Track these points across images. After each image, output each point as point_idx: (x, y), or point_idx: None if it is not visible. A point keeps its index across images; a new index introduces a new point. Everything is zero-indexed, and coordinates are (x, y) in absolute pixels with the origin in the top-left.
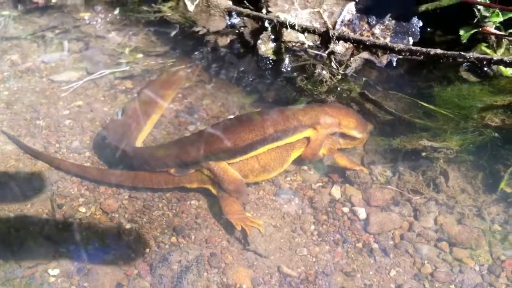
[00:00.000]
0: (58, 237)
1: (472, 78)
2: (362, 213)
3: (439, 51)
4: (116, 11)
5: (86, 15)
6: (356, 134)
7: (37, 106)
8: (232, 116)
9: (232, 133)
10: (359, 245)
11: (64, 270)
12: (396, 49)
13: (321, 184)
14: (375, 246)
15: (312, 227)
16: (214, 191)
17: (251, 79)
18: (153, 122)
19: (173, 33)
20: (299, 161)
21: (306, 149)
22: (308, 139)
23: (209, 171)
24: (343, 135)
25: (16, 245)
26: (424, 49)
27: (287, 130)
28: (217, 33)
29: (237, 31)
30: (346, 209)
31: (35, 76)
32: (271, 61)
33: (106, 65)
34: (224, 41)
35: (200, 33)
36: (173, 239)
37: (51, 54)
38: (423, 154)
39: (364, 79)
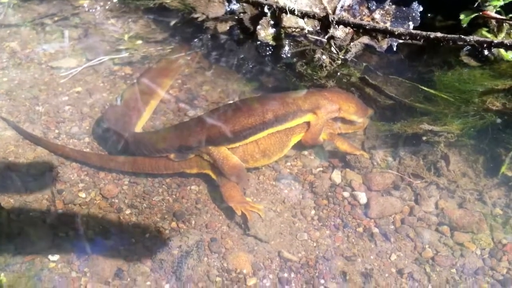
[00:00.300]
0: (58, 222)
1: (473, 62)
2: (362, 197)
3: (439, 34)
4: None
5: (85, 2)
6: (356, 119)
7: (36, 93)
8: (231, 102)
9: (231, 118)
10: (360, 229)
11: (64, 256)
12: (396, 33)
13: (321, 169)
14: (376, 230)
15: (313, 212)
16: (214, 176)
17: (250, 65)
18: (152, 108)
19: (172, 20)
20: (299, 146)
21: (306, 134)
22: (308, 124)
23: (209, 156)
24: (343, 120)
25: (16, 231)
26: (424, 33)
27: (286, 115)
28: (217, 19)
29: (236, 17)
30: (346, 194)
31: (34, 63)
32: (270, 47)
33: (105, 52)
34: (223, 27)
35: (200, 19)
36: (173, 224)
37: (50, 41)
38: (424, 138)
39: (364, 64)
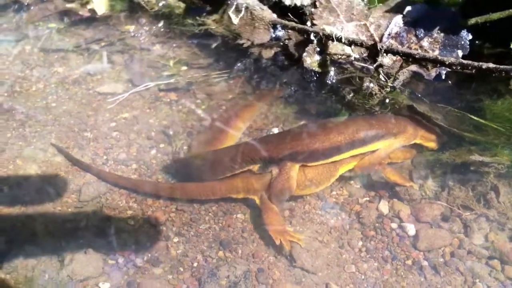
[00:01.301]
0: (107, 249)
1: None
2: (411, 229)
3: (491, 65)
4: (161, 24)
5: (131, 28)
6: (433, 146)
7: (84, 118)
8: (278, 128)
9: (320, 135)
10: (409, 262)
11: (115, 284)
12: (447, 62)
13: (368, 198)
14: (425, 263)
15: (360, 243)
16: (258, 201)
17: (295, 91)
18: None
19: (216, 46)
20: (344, 175)
21: (366, 159)
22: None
23: (279, 171)
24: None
25: (68, 257)
26: (476, 63)
27: (374, 137)
28: (262, 45)
29: (281, 44)
30: (394, 225)
31: (81, 88)
32: (316, 74)
33: (150, 77)
34: (268, 53)
35: (244, 45)
36: (220, 253)
37: (96, 66)
38: (473, 168)
39: (411, 91)
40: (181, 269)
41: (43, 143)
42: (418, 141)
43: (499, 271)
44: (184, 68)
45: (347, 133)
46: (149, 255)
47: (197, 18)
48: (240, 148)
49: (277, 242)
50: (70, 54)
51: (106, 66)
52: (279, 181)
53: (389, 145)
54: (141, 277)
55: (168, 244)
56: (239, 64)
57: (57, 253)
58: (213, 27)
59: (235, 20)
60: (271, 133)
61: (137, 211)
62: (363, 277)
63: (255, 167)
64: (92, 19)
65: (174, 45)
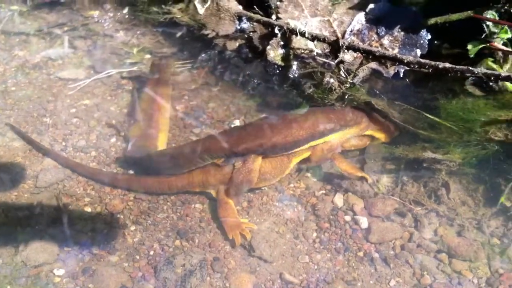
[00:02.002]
0: (63, 236)
1: (477, 92)
2: (364, 222)
3: (447, 65)
4: (125, 11)
5: (95, 13)
6: (385, 138)
7: (44, 103)
8: (239, 120)
9: (283, 129)
10: (360, 254)
11: (70, 271)
12: (405, 61)
13: (324, 192)
14: (376, 255)
15: (314, 234)
16: (214, 194)
17: (257, 84)
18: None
19: (181, 35)
20: (302, 168)
21: (319, 149)
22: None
23: (242, 164)
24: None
25: (23, 243)
26: (433, 63)
27: (333, 129)
28: (226, 37)
29: (246, 36)
30: (348, 218)
31: (42, 73)
32: (279, 67)
33: (113, 65)
34: (232, 45)
35: (209, 36)
36: (177, 242)
37: (58, 51)
38: (425, 165)
39: (369, 88)
40: (137, 257)
41: (1, 127)
42: (370, 132)
43: (446, 265)
44: (148, 56)
45: (307, 127)
46: (106, 242)
47: (163, 6)
48: (205, 142)
49: (230, 237)
50: (31, 37)
51: (68, 51)
52: (241, 173)
53: (343, 135)
54: (96, 264)
55: (125, 232)
56: (203, 55)
57: (11, 238)
58: (179, 16)
59: (201, 10)
60: (232, 124)
61: (95, 198)
62: (316, 267)
63: (219, 160)
64: (56, 3)
65: (138, 32)
